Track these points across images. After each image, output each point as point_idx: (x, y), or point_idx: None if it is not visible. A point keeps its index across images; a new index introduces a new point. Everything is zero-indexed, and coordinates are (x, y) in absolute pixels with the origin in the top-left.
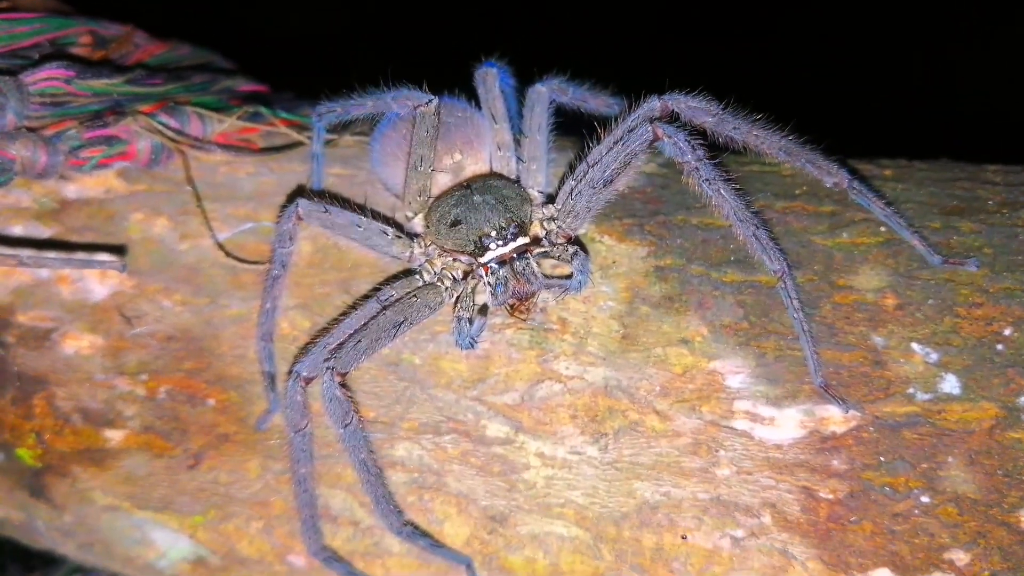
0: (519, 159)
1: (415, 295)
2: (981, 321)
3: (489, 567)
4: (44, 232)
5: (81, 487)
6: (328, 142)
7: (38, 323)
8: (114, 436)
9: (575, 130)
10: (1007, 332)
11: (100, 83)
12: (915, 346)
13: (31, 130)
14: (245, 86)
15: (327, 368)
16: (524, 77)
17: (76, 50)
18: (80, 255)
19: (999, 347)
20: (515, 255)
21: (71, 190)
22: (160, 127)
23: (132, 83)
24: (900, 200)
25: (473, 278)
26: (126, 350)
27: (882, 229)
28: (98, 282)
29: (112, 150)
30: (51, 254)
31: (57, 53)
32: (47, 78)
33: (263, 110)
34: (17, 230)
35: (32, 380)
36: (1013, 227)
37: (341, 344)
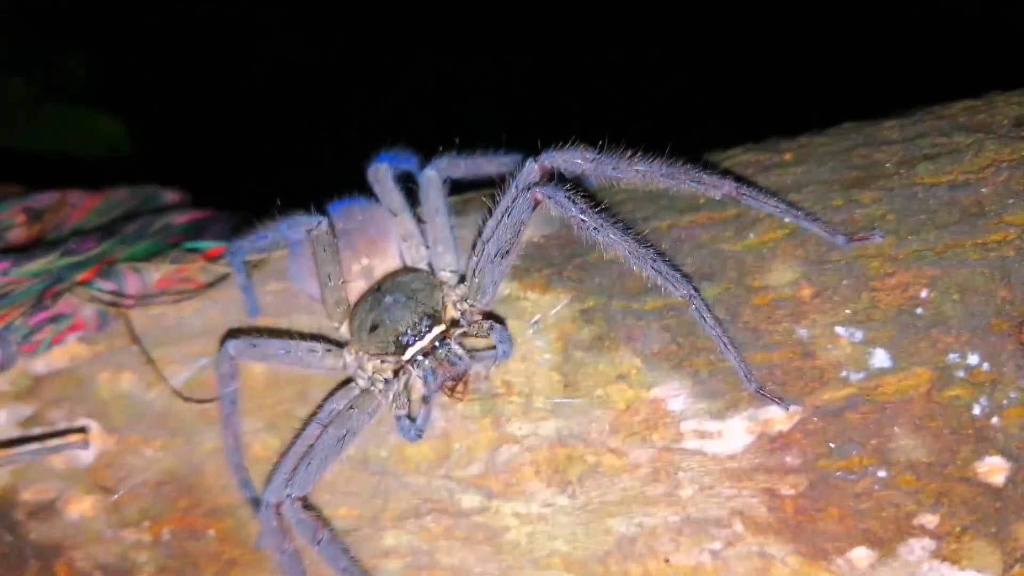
0: (427, 246)
1: (351, 406)
2: (897, 289)
3: None
4: (26, 410)
5: None
6: (257, 263)
7: (41, 496)
8: None
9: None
10: (924, 294)
11: (36, 265)
12: (839, 330)
13: None
14: (182, 218)
15: (287, 495)
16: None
17: (14, 232)
18: (50, 443)
19: (919, 311)
20: (436, 344)
21: (40, 365)
22: (97, 294)
23: (67, 254)
24: (801, 184)
25: (404, 374)
26: (125, 504)
27: (787, 220)
28: (86, 448)
29: (60, 326)
30: (20, 449)
31: None
32: None
33: (188, 246)
34: (2, 414)
35: (49, 550)
36: (912, 186)
37: (295, 468)
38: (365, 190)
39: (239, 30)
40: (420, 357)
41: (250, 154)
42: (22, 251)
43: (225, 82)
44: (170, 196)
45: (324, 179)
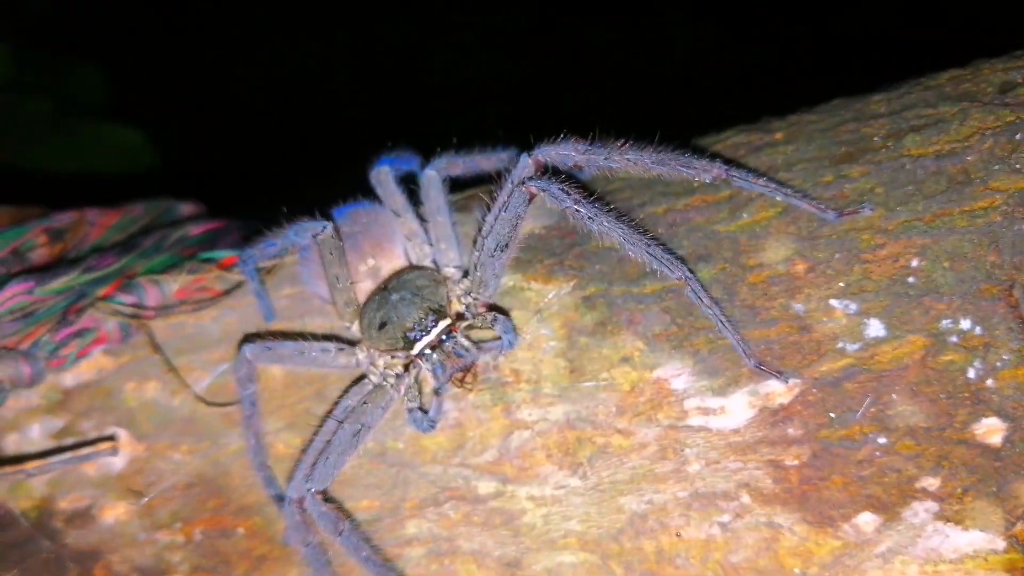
0: (430, 243)
1: (365, 401)
2: (888, 260)
3: None
4: (58, 423)
5: None
6: (271, 269)
7: (77, 504)
8: None
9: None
10: (914, 263)
11: (59, 282)
12: (834, 302)
13: (8, 348)
14: (197, 229)
15: (307, 490)
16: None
17: (37, 252)
18: (81, 451)
19: (910, 280)
20: (442, 338)
21: (69, 379)
22: (119, 307)
23: (88, 271)
24: (792, 163)
25: (414, 368)
26: (157, 507)
27: (778, 199)
28: (115, 456)
29: (85, 340)
30: (53, 459)
31: (20, 266)
32: (12, 296)
33: (204, 257)
34: (35, 428)
35: (88, 555)
36: (899, 159)
37: (314, 463)
38: (369, 192)
39: (239, 31)
40: (428, 351)
41: (261, 157)
42: (45, 270)
43: (234, 88)
44: (185, 208)
45: (335, 170)
